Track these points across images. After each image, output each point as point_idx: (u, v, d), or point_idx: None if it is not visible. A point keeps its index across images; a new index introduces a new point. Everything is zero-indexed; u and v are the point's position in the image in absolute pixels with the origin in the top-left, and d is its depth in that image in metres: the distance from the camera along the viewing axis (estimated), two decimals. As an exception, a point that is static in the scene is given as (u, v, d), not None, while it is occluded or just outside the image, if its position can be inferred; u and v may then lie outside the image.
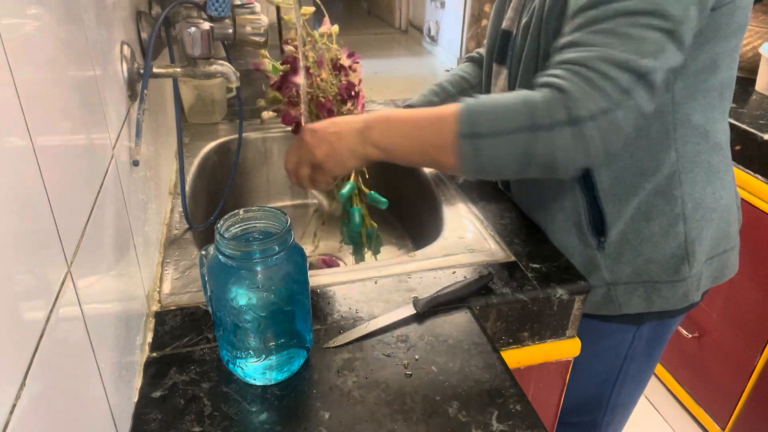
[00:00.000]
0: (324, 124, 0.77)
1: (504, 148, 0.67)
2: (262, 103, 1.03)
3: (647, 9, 0.64)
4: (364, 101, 1.02)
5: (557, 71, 0.67)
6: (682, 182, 0.81)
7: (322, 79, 0.96)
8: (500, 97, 0.69)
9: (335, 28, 0.99)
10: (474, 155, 0.68)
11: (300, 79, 0.94)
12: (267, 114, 1.03)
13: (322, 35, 0.97)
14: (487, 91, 1.00)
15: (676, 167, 0.80)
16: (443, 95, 1.08)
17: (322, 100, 0.95)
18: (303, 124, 0.97)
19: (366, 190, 1.02)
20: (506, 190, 1.03)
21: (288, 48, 0.97)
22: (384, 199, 1.00)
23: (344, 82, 0.97)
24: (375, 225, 1.04)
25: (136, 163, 0.72)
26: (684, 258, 0.85)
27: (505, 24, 0.92)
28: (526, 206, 0.97)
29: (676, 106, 0.77)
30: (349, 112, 0.99)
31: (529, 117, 0.65)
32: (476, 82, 1.09)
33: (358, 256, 1.06)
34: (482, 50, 1.12)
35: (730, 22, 0.73)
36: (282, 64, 0.97)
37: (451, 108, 0.70)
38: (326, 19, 0.98)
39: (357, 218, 0.99)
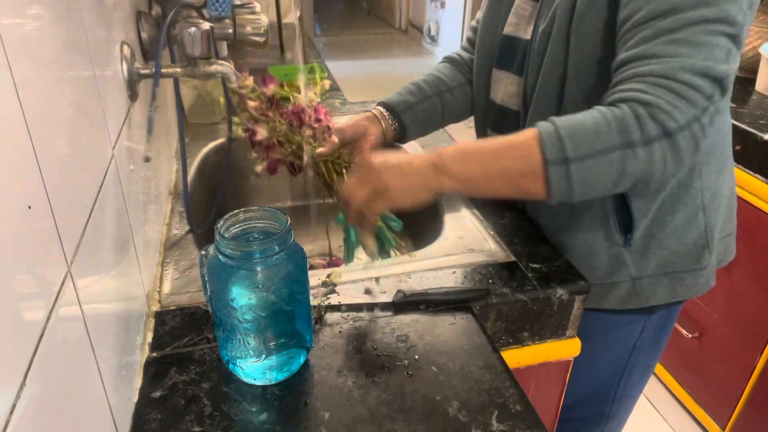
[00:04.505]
0: (395, 154, 0.73)
1: (598, 169, 0.66)
2: (252, 156, 0.99)
3: (718, 17, 0.66)
4: (330, 117, 0.92)
5: (636, 85, 0.66)
6: (702, 173, 0.84)
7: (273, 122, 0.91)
8: (580, 117, 0.68)
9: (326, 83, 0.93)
10: (566, 180, 0.66)
11: (261, 133, 0.91)
12: (259, 168, 0.98)
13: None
14: (484, 94, 0.98)
15: (697, 159, 0.82)
16: (420, 95, 1.03)
17: (281, 140, 0.90)
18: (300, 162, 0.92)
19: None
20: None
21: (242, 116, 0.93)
22: (397, 221, 0.85)
23: (288, 108, 0.91)
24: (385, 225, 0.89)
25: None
26: (704, 246, 0.88)
27: (507, 29, 0.91)
28: (546, 209, 0.93)
29: None
30: (320, 143, 0.90)
31: (623, 135, 0.65)
32: (453, 85, 1.05)
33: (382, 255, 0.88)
34: (462, 53, 1.09)
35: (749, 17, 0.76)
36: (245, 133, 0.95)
37: (529, 134, 0.68)
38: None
39: (353, 237, 0.84)
